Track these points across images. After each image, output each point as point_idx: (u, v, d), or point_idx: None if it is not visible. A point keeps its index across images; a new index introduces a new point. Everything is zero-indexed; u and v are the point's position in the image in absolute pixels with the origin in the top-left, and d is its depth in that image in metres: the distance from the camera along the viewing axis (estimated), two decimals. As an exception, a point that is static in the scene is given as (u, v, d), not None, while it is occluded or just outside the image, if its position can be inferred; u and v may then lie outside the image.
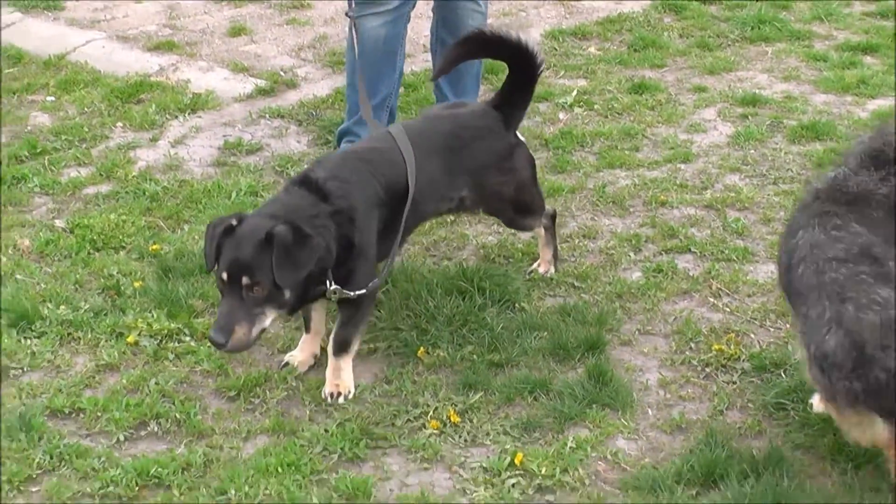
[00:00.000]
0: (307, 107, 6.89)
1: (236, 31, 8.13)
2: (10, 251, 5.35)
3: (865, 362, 3.37)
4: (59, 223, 5.63)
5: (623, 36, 8.08)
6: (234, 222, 4.10)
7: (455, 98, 6.21)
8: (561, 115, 6.80)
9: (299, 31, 8.20)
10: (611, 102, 6.93)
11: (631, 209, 5.68)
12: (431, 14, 6.29)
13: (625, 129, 6.56)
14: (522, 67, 4.89)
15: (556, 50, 7.83)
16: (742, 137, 6.41)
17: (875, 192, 3.81)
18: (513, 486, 3.85)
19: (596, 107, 6.89)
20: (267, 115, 6.79)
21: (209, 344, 4.25)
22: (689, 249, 5.27)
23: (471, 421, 4.17)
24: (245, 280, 3.98)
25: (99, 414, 4.23)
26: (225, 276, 4.01)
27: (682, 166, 6.12)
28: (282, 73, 7.38)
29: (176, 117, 6.77)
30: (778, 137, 6.44)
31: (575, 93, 7.03)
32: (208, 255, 4.13)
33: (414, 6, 6.03)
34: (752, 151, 6.27)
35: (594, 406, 4.19)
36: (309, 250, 4.03)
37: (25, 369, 4.53)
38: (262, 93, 7.10)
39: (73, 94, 7.08)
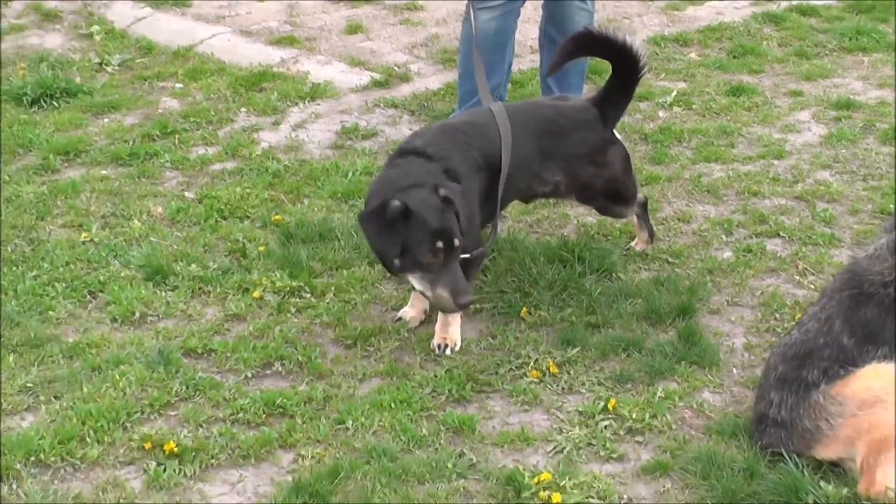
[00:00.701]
0: (419, 98, 7.30)
1: (353, 28, 8.58)
2: (144, 217, 5.81)
3: None
4: (188, 194, 6.10)
5: (723, 43, 8.38)
6: (399, 204, 4.35)
7: (560, 93, 6.59)
8: (661, 113, 7.15)
9: (412, 31, 8.64)
10: (709, 103, 7.25)
11: (724, 198, 6.01)
12: (540, 13, 6.67)
13: (721, 127, 6.88)
14: (626, 68, 5.18)
15: (657, 55, 8.16)
16: (834, 138, 6.70)
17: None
18: (605, 427, 4.21)
19: (694, 107, 7.22)
20: (381, 105, 7.22)
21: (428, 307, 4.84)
22: (779, 234, 5.58)
23: (568, 372, 4.54)
24: (457, 242, 4.36)
25: (228, 354, 4.65)
26: (442, 245, 4.33)
27: (775, 162, 6.43)
28: (395, 68, 7.81)
29: (296, 104, 7.22)
30: (870, 139, 6.72)
31: (674, 93, 7.37)
32: (388, 244, 4.38)
33: (524, 2, 6.42)
34: (844, 151, 6.56)
35: (683, 363, 4.53)
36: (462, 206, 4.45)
37: (161, 316, 4.98)
38: (377, 85, 7.53)
39: (200, 81, 7.56)
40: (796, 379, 3.96)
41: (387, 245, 4.37)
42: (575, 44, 5.33)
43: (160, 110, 7.15)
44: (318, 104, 7.23)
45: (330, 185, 6.12)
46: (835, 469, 3.90)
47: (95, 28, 8.46)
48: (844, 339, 3.95)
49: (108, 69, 7.88)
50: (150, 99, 7.36)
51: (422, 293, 4.52)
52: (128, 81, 7.69)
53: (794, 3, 9.16)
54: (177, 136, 6.76)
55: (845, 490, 3.76)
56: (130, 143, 6.69)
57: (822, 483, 3.78)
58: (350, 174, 6.25)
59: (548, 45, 6.59)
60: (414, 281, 4.47)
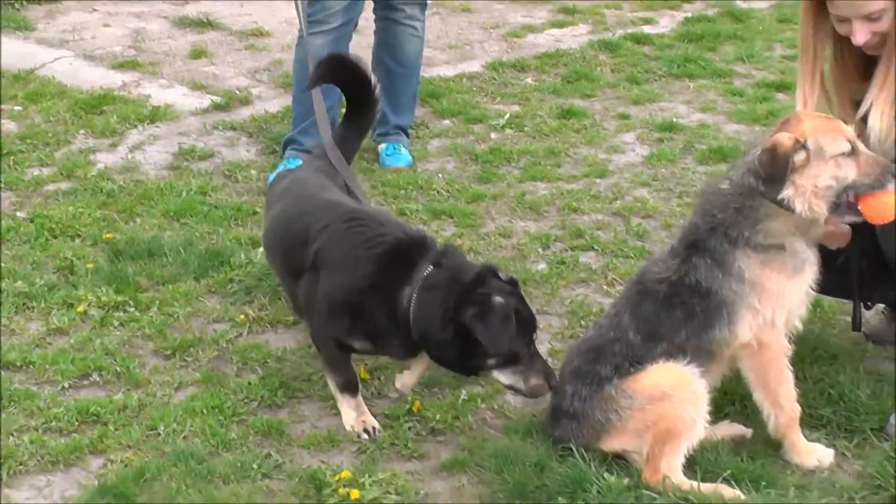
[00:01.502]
0: (258, 121, 7.45)
1: (197, 53, 8.71)
2: (-28, 237, 5.87)
3: None
4: (20, 214, 6.16)
5: (559, 69, 8.67)
6: (504, 301, 4.08)
7: (395, 116, 6.86)
8: (493, 135, 7.38)
9: (256, 56, 8.79)
10: (539, 125, 7.51)
11: (545, 214, 6.25)
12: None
13: (550, 148, 7.13)
14: (362, 100, 5.18)
15: (495, 80, 8.42)
16: (655, 158, 6.99)
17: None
18: (409, 428, 4.38)
19: (526, 129, 7.47)
20: (220, 127, 7.35)
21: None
22: (593, 247, 5.83)
23: (379, 378, 4.72)
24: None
25: (47, 366, 4.74)
26: (533, 335, 4.21)
27: (598, 181, 6.69)
28: (237, 92, 7.95)
29: (135, 126, 7.32)
30: (688, 159, 7.02)
31: (507, 116, 7.61)
32: (503, 342, 4.07)
33: (355, 27, 6.62)
34: (663, 170, 6.85)
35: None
36: None
37: (-18, 332, 5.04)
38: (217, 108, 7.66)
39: (39, 104, 7.61)
40: (590, 372, 4.15)
41: (503, 344, 4.07)
42: (324, 68, 5.27)
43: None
44: (158, 126, 7.34)
45: (163, 204, 6.23)
46: (619, 461, 4.10)
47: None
48: (631, 335, 4.16)
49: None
50: (-17, 119, 7.40)
51: (510, 387, 4.23)
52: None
53: (630, 31, 9.50)
54: (12, 157, 6.80)
55: (626, 480, 3.96)
56: (-39, 163, 6.73)
57: (605, 475, 3.98)
58: (184, 194, 6.36)
59: (382, 71, 6.73)
60: (502, 376, 4.17)
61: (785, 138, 4.02)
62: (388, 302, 4.19)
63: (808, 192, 4.03)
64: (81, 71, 8.29)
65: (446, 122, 7.61)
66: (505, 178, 6.70)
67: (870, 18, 4.20)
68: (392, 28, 6.77)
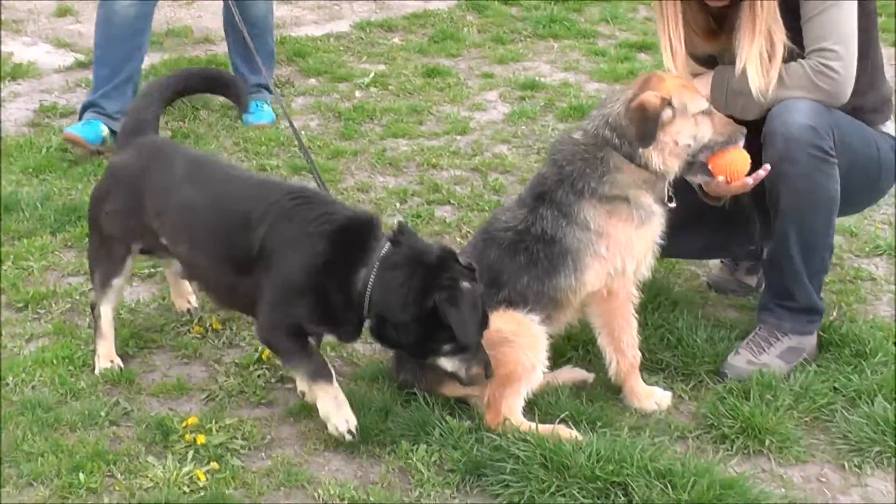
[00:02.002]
0: (121, 78, 7.40)
1: (63, 11, 8.64)
2: None
3: None
4: None
5: (427, 30, 8.76)
6: (472, 288, 3.94)
7: (253, 75, 6.88)
8: (357, 94, 7.43)
9: (122, 14, 8.71)
10: (404, 84, 7.58)
11: (405, 170, 6.32)
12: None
13: (413, 106, 7.21)
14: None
15: (362, 39, 8.49)
16: (517, 116, 7.10)
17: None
18: (258, 376, 4.44)
19: (390, 87, 7.54)
20: (83, 85, 7.30)
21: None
22: (449, 202, 5.92)
23: (231, 328, 4.76)
24: None
25: None
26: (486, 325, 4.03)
27: (459, 138, 6.78)
28: (102, 50, 7.88)
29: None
30: (549, 117, 7.15)
31: (372, 75, 7.67)
32: (472, 328, 3.94)
33: None
34: (524, 127, 6.96)
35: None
36: None
37: None
38: (80, 65, 7.62)
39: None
40: None
41: (473, 332, 3.95)
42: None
43: None
44: (19, 84, 7.29)
45: (22, 160, 6.20)
46: (461, 405, 4.20)
47: None
48: None
49: None
50: None
51: (451, 373, 4.06)
52: None
53: (498, -8, 9.60)
54: None
55: (468, 423, 4.06)
56: None
57: (448, 418, 4.07)
58: (45, 150, 6.34)
59: (231, 32, 6.83)
60: (448, 363, 4.02)
61: (653, 96, 4.11)
62: (345, 282, 3.98)
63: (667, 150, 4.14)
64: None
65: (312, 80, 7.65)
66: (367, 135, 6.76)
67: None
68: None
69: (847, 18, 4.25)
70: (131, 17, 6.31)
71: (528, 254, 4.21)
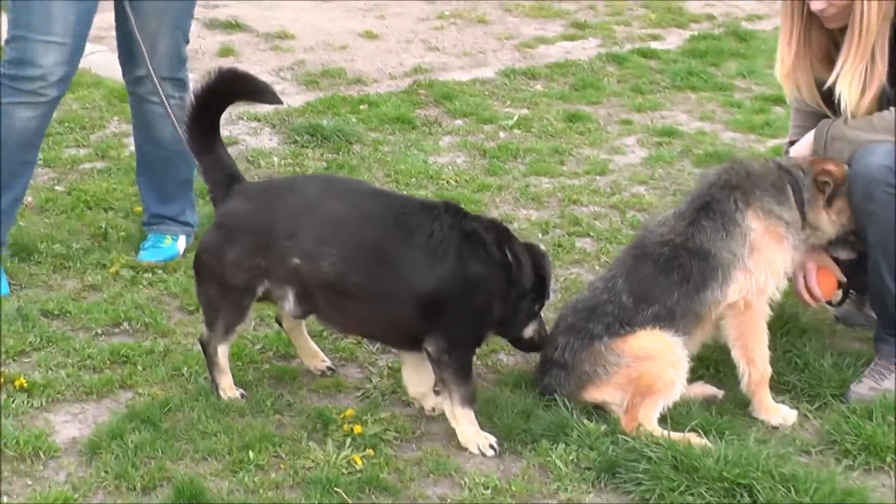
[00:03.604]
0: (281, 114, 7.88)
1: (225, 52, 9.18)
2: (14, 206, 6.30)
3: None
4: (58, 188, 6.61)
5: (567, 78, 9.11)
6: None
7: (158, 206, 5.97)
8: (501, 134, 7.81)
9: (281, 56, 9.27)
10: (546, 127, 7.94)
11: (547, 205, 6.66)
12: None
13: (554, 147, 7.56)
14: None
15: (506, 85, 8.87)
16: (654, 160, 7.41)
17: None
18: (410, 379, 4.79)
19: (533, 130, 7.91)
20: (245, 118, 7.79)
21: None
22: (589, 234, 6.24)
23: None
24: None
25: (82, 316, 5.16)
26: None
27: (598, 178, 7.11)
28: (262, 87, 8.38)
29: (164, 114, 7.76)
30: (685, 162, 7.44)
31: (516, 117, 8.05)
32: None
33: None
34: (661, 171, 7.26)
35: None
36: None
37: (23, 286, 5.46)
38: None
39: (77, 93, 8.06)
40: (583, 329, 4.53)
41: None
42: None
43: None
44: (184, 115, 7.76)
45: (190, 183, 6.65)
46: (598, 411, 4.50)
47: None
48: (624, 298, 4.54)
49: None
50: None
51: (528, 339, 4.60)
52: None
53: (637, 46, 9.95)
54: (51, 138, 7.24)
55: (604, 427, 4.37)
56: (7, 143, 7.16)
57: (585, 421, 4.38)
58: (210, 175, 6.78)
59: (140, 154, 6.04)
60: (531, 328, 4.58)
61: (842, 170, 4.59)
62: (509, 273, 4.41)
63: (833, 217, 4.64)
64: (116, 63, 8.70)
65: (458, 121, 8.04)
66: (511, 172, 7.12)
67: None
68: (141, 105, 5.85)
69: None
70: (31, 131, 5.40)
71: (682, 270, 4.51)
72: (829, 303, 5.13)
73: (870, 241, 4.64)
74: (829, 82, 4.65)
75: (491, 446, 4.32)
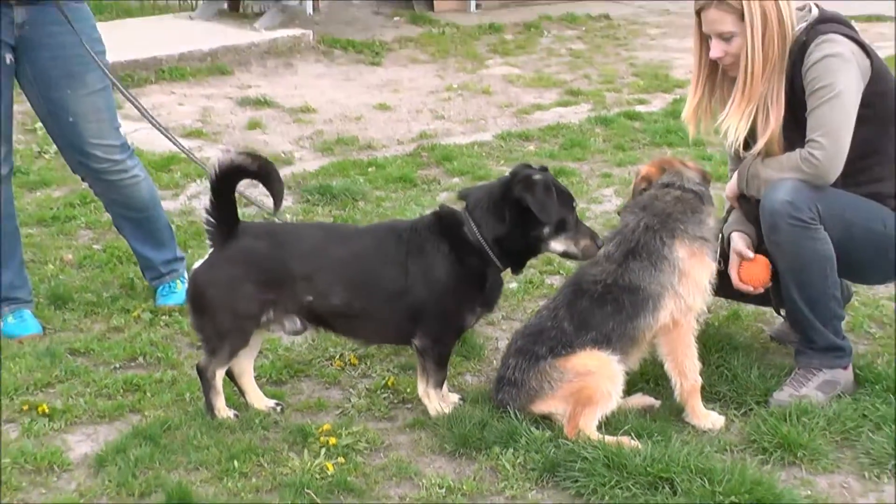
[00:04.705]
0: (297, 177, 8.18)
1: (253, 125, 9.52)
2: (57, 262, 6.62)
3: None
4: (96, 246, 6.91)
5: (558, 139, 9.34)
6: (547, 177, 4.66)
7: (158, 254, 6.12)
8: (492, 190, 8.04)
9: (302, 127, 9.60)
10: (533, 182, 8.16)
11: (525, 248, 6.87)
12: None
13: (539, 199, 7.77)
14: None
15: (502, 147, 9.12)
16: (627, 207, 7.60)
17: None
18: (384, 398, 5.01)
19: (521, 185, 8.13)
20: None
21: None
22: (559, 272, 6.44)
23: (366, 363, 5.35)
24: None
25: (104, 353, 5.43)
26: (573, 204, 4.71)
27: (575, 224, 7.31)
28: (282, 154, 8.72)
29: (195, 181, 8.09)
30: (655, 208, 7.62)
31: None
32: (556, 210, 4.61)
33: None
34: (632, 216, 7.45)
35: (454, 356, 5.31)
36: None
37: (57, 329, 5.75)
38: (263, 167, 8.39)
39: (119, 165, 8.39)
40: (530, 351, 4.74)
41: (551, 211, 4.57)
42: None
43: (83, 186, 7.95)
44: (211, 181, 8.06)
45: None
46: (545, 421, 4.69)
47: (39, 125, 9.29)
48: (566, 325, 4.74)
49: (46, 156, 8.70)
50: (76, 178, 8.16)
51: (564, 253, 4.74)
52: (60, 166, 8.46)
53: (624, 109, 10.18)
54: (93, 203, 7.56)
55: (548, 434, 4.56)
56: (54, 209, 7.51)
57: (533, 429, 4.58)
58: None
59: (125, 224, 6.11)
60: (557, 244, 4.68)
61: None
62: (465, 246, 4.62)
63: None
64: (156, 139, 8.99)
65: (455, 179, 8.28)
66: (497, 221, 7.33)
67: (722, 38, 4.76)
68: (110, 185, 5.86)
69: (837, 114, 4.62)
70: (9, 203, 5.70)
71: (616, 303, 4.70)
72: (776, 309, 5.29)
73: (779, 269, 4.83)
74: (718, 122, 4.86)
75: (457, 402, 4.80)
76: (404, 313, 4.66)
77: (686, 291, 4.70)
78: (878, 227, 4.80)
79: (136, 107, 5.71)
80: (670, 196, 4.80)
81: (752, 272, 4.95)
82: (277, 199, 4.69)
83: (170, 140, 5.79)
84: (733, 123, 4.77)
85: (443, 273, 4.62)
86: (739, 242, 4.99)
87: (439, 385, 4.77)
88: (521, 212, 4.57)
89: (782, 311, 5.25)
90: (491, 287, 4.75)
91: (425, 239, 4.65)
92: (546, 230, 4.60)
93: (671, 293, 4.68)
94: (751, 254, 4.94)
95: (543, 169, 4.73)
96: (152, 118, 5.72)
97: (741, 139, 4.80)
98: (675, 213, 4.73)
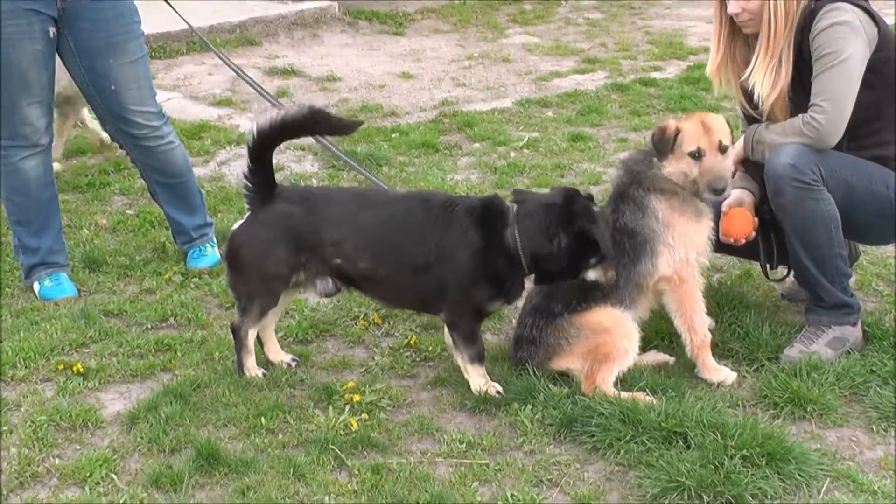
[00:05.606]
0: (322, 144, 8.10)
1: (280, 94, 9.43)
2: (91, 227, 6.58)
3: None
4: (129, 212, 6.87)
5: (576, 105, 9.24)
6: (593, 210, 4.52)
7: (190, 219, 6.07)
8: (512, 154, 7.96)
9: (328, 95, 9.52)
10: (551, 146, 8.08)
11: (544, 211, 6.79)
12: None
13: (557, 163, 7.70)
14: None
15: (521, 113, 9.02)
16: (642, 170, 7.50)
17: None
18: (406, 356, 4.96)
19: (540, 149, 8.05)
20: (291, 148, 8.02)
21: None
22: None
23: (389, 322, 5.30)
24: None
25: (136, 314, 5.40)
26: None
27: (592, 187, 7.23)
28: (308, 122, 8.62)
29: (224, 148, 8.04)
30: (670, 171, 7.52)
31: (526, 139, 8.20)
32: (608, 237, 4.49)
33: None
34: (647, 179, 7.35)
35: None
36: None
37: (91, 291, 5.72)
38: (290, 135, 8.33)
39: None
40: (546, 308, 4.68)
41: (609, 243, 4.48)
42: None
43: (117, 154, 7.92)
44: (242, 148, 7.89)
45: (240, 203, 6.87)
46: (563, 377, 4.64)
47: (74, 95, 9.25)
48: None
49: (79, 126, 8.64)
50: (112, 146, 8.13)
51: (594, 280, 4.58)
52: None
53: (639, 76, 10.06)
54: (126, 170, 7.53)
55: (566, 390, 4.51)
56: (89, 176, 7.47)
57: (551, 386, 4.53)
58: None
59: (159, 191, 6.08)
60: (593, 274, 4.55)
61: (673, 124, 4.63)
62: (501, 247, 4.47)
63: (672, 169, 4.62)
64: (187, 108, 9.05)
65: (476, 144, 8.20)
66: (516, 184, 7.24)
67: None
68: (148, 152, 5.83)
69: (841, 81, 4.56)
70: (41, 177, 5.62)
71: (619, 247, 4.61)
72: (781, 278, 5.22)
73: (785, 230, 4.74)
74: (744, 76, 4.77)
75: (497, 392, 4.54)
76: (429, 286, 4.53)
77: (676, 242, 4.62)
78: (881, 189, 4.73)
79: (225, 62, 6.17)
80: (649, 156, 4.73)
81: (734, 224, 4.90)
82: (346, 128, 4.79)
83: (256, 89, 6.22)
84: (759, 78, 4.69)
85: (468, 261, 4.47)
86: (732, 196, 4.92)
87: (475, 360, 4.55)
88: (575, 240, 4.44)
89: (770, 274, 5.22)
90: (512, 285, 4.60)
91: (460, 221, 4.49)
92: (593, 260, 4.50)
93: (663, 242, 4.60)
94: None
95: (589, 197, 4.57)
96: (237, 68, 6.07)
97: (766, 94, 4.70)
98: (652, 176, 4.65)
